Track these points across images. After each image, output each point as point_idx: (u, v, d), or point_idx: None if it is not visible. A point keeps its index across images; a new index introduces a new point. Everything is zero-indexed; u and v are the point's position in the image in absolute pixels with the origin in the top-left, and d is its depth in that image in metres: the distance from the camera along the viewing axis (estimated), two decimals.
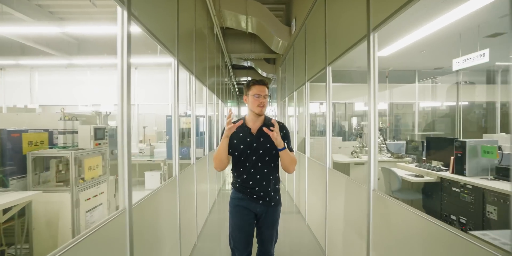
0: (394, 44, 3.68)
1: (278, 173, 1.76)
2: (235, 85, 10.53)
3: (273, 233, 1.76)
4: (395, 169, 3.45)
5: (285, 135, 1.68)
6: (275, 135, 1.52)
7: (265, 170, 1.67)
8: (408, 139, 5.73)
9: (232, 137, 1.64)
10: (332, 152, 2.87)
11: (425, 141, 3.61)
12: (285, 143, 1.62)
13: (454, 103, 5.95)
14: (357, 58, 2.15)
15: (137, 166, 5.56)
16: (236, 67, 9.09)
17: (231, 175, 1.78)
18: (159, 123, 6.49)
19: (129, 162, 1.28)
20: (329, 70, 2.61)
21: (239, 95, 14.01)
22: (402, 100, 6.27)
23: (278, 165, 1.72)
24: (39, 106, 6.28)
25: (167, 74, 6.21)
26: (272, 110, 8.43)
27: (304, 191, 3.79)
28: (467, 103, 6.04)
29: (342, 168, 4.24)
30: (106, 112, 4.09)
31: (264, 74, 7.23)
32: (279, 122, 1.68)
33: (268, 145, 1.63)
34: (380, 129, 4.29)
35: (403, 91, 6.17)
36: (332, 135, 2.83)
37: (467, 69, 4.88)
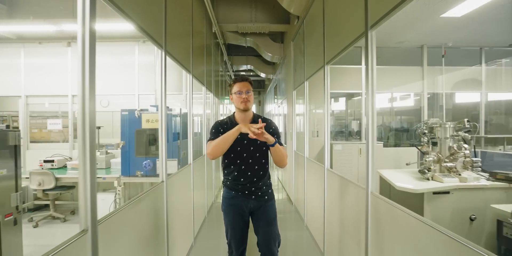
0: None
1: (267, 168, 1.75)
2: (233, 77, 8.77)
3: (273, 230, 1.72)
4: None
5: (274, 131, 1.70)
6: (264, 135, 1.48)
7: (256, 167, 1.69)
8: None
9: (222, 133, 1.60)
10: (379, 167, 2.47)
11: None
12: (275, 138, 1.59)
13: None
14: (398, 30, 2.10)
15: (77, 185, 3.88)
16: (233, 53, 7.34)
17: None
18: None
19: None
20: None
21: None
22: (459, 89, 4.52)
23: (268, 160, 1.74)
24: None
25: (131, 53, 4.44)
26: (279, 105, 6.70)
27: (337, 232, 2.10)
28: None
29: (407, 199, 2.50)
30: None
31: (269, 57, 5.49)
32: (266, 119, 1.71)
33: (258, 141, 1.64)
34: (467, 131, 2.55)
35: (461, 77, 4.42)
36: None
37: None
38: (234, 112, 1.73)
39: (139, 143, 3.28)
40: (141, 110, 3.28)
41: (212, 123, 5.09)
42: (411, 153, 4.25)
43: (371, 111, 1.50)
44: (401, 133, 5.85)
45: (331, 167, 2.91)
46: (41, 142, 4.75)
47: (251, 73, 8.77)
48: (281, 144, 1.67)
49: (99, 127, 4.13)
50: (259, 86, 12.17)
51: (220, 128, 1.66)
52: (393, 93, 4.86)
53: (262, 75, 7.49)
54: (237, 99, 1.63)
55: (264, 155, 1.71)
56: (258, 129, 1.44)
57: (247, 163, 1.67)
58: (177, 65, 2.40)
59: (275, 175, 7.09)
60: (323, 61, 2.45)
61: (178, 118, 3.46)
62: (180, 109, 3.43)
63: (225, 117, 1.79)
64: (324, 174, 2.42)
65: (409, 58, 4.51)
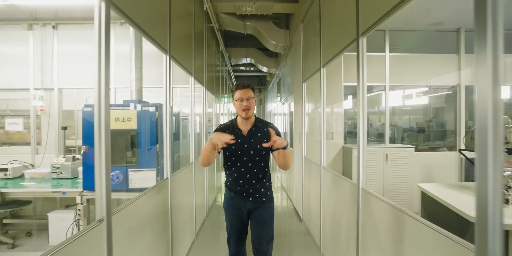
0: None
1: (268, 172, 1.80)
2: (231, 72, 7.96)
3: (266, 231, 1.76)
4: None
5: (277, 135, 1.69)
6: (277, 142, 1.53)
7: (255, 170, 1.73)
8: None
9: None
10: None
11: None
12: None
13: None
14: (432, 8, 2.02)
15: (36, 201, 3.12)
16: (231, 44, 6.59)
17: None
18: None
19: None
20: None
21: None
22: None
23: (268, 164, 1.78)
24: None
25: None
26: (283, 103, 5.97)
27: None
28: None
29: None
30: None
31: (272, 46, 4.73)
32: (268, 124, 1.76)
33: (259, 146, 1.69)
34: None
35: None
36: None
37: None
38: (237, 116, 1.77)
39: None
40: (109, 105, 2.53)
41: (206, 123, 4.34)
42: (445, 159, 3.52)
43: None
44: (416, 133, 5.11)
45: (356, 180, 2.24)
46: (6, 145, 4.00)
47: (252, 68, 8.01)
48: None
49: (65, 128, 3.38)
50: (260, 83, 11.43)
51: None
52: (426, 87, 4.10)
53: (264, 69, 6.73)
54: (238, 107, 1.67)
55: (264, 159, 1.75)
56: (270, 141, 1.55)
57: (247, 166, 1.72)
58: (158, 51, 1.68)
59: (278, 181, 6.34)
60: (355, 34, 1.70)
61: (163, 116, 2.72)
62: (161, 104, 2.68)
63: (225, 120, 1.68)
64: (358, 195, 1.67)
65: (442, 44, 3.76)
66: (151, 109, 2.58)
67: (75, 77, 3.62)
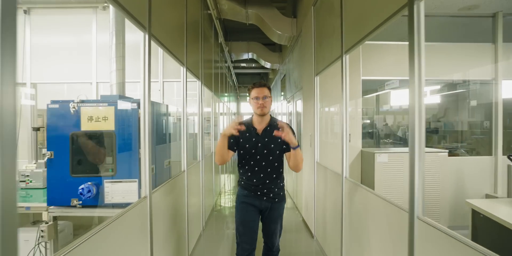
0: None
1: (281, 171, 1.82)
2: (231, 68, 7.45)
3: (277, 227, 1.84)
4: None
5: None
6: (288, 136, 1.54)
7: (269, 169, 1.75)
8: None
9: (239, 136, 1.71)
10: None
11: None
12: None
13: None
14: None
15: None
16: (231, 38, 6.11)
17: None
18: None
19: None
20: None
21: (237, 86, 10.86)
22: None
23: (282, 164, 1.80)
24: None
25: (86, 24, 3.16)
26: (288, 101, 5.51)
27: None
28: None
29: None
30: None
31: (276, 37, 4.25)
32: (283, 122, 1.70)
33: (272, 145, 1.73)
34: None
35: None
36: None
37: None
38: (253, 115, 1.80)
39: (76, 154, 2.05)
40: (81, 101, 2.05)
41: (204, 123, 3.92)
42: (478, 164, 3.03)
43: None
44: (429, 134, 4.62)
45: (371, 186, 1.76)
46: None
47: (253, 65, 7.53)
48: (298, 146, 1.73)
49: (37, 128, 2.90)
50: None
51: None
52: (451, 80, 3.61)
53: (267, 65, 6.24)
54: (254, 104, 1.72)
55: (278, 159, 1.76)
56: (281, 129, 1.56)
57: (261, 165, 1.73)
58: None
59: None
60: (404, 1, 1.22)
61: (142, 113, 2.23)
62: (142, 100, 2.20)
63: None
64: (413, 225, 1.18)
65: (474, 32, 3.28)
66: (133, 106, 2.09)
67: (53, 70, 3.14)
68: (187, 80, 2.46)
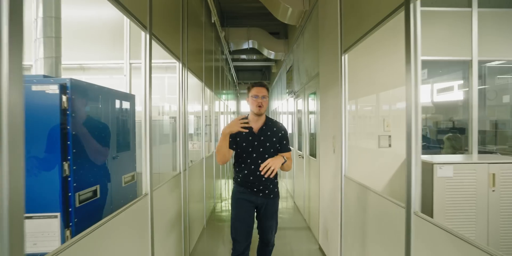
0: None
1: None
2: (230, 63, 6.58)
3: (273, 223, 1.90)
4: None
5: (283, 136, 1.86)
6: (273, 168, 1.66)
7: None
8: None
9: (236, 135, 1.78)
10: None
11: None
12: (284, 144, 1.85)
13: None
14: None
15: None
16: (228, 23, 5.27)
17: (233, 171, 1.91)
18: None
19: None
20: None
21: (237, 82, 9.98)
22: None
23: None
24: None
25: None
26: (294, 97, 4.65)
27: None
28: None
29: None
30: None
31: (285, 16, 3.39)
32: (277, 122, 1.89)
33: (268, 144, 1.81)
34: None
35: None
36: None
37: None
38: (249, 115, 1.86)
39: None
40: None
41: (202, 122, 3.27)
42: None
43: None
44: (456, 135, 3.73)
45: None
46: None
47: (254, 56, 6.67)
48: (289, 150, 1.87)
49: None
50: (264, 78, 10.12)
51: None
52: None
53: (271, 55, 5.39)
54: (252, 102, 1.78)
55: (273, 156, 1.80)
56: (267, 169, 1.66)
57: (257, 163, 1.78)
58: None
59: (287, 192, 4.97)
60: None
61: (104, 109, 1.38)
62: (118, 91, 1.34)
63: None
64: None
65: None
66: (51, 89, 1.23)
67: None
68: (150, 49, 1.60)
